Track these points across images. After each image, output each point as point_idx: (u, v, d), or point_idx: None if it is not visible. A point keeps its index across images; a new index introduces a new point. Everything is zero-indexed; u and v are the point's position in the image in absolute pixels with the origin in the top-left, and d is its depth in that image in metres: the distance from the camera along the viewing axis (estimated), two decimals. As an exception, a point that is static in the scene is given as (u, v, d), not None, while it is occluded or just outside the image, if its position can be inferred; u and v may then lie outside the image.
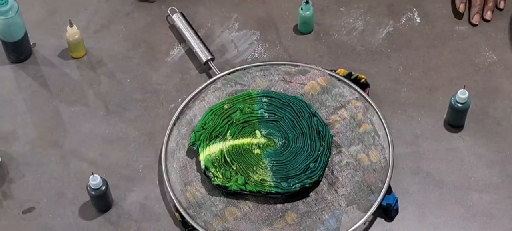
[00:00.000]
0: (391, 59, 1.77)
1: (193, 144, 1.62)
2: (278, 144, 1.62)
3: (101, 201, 1.57)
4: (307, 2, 1.76)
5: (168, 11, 1.82)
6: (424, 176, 1.62)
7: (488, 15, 1.80)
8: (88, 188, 1.54)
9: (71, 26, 1.74)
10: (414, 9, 1.83)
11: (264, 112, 1.66)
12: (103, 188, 1.55)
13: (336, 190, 1.58)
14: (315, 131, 1.62)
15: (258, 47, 1.79)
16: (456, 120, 1.65)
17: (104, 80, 1.75)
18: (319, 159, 1.59)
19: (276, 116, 1.65)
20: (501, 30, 1.80)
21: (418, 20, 1.82)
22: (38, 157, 1.65)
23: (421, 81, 1.74)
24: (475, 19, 1.79)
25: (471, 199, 1.59)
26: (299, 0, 1.83)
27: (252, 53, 1.79)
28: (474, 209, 1.58)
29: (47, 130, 1.69)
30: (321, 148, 1.60)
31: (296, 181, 1.57)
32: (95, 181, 1.54)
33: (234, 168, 1.59)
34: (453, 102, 1.62)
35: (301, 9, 1.77)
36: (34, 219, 1.59)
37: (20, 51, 1.77)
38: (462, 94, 1.61)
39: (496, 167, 1.62)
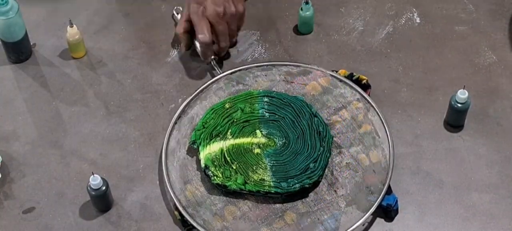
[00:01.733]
0: (391, 59, 1.77)
1: (194, 142, 1.63)
2: (278, 144, 1.62)
3: (101, 201, 1.57)
4: (307, 3, 1.76)
5: (173, 11, 1.82)
6: (424, 176, 1.62)
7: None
8: (88, 188, 1.55)
9: (71, 26, 1.74)
10: (414, 9, 1.83)
11: (264, 112, 1.66)
12: (103, 188, 1.55)
13: (335, 191, 1.58)
14: (316, 131, 1.62)
15: (258, 47, 1.79)
16: (456, 120, 1.65)
17: (104, 80, 1.75)
18: (319, 159, 1.59)
19: (276, 116, 1.65)
20: (501, 30, 1.80)
21: (418, 20, 1.82)
22: (38, 157, 1.66)
23: (421, 81, 1.74)
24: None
25: (471, 199, 1.59)
26: (299, 0, 1.83)
27: (252, 54, 1.79)
28: (474, 209, 1.58)
29: (47, 130, 1.69)
30: (321, 148, 1.60)
31: (296, 181, 1.57)
32: (95, 181, 1.54)
33: (234, 167, 1.59)
34: (453, 103, 1.62)
35: (301, 9, 1.77)
36: (34, 219, 1.59)
37: (20, 51, 1.77)
38: (462, 94, 1.61)
39: (496, 167, 1.62)
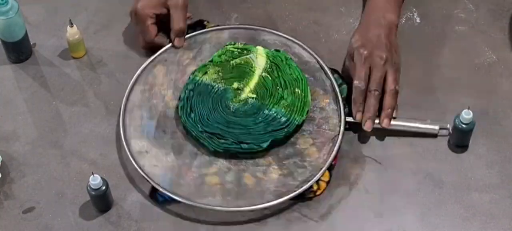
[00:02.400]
0: (391, 59, 1.77)
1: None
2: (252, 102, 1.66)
3: (101, 201, 1.57)
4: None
5: None
6: (424, 176, 1.62)
7: (385, 122, 1.62)
8: (88, 188, 1.54)
9: (71, 26, 1.74)
10: (414, 9, 1.83)
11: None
12: (103, 188, 1.55)
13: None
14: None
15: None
16: (461, 140, 1.63)
17: (104, 80, 1.75)
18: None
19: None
20: (501, 30, 1.80)
21: (418, 20, 1.82)
22: (38, 157, 1.66)
23: (421, 81, 1.73)
24: (367, 125, 1.62)
25: (471, 199, 1.59)
26: (299, 0, 1.83)
27: (252, 53, 1.79)
28: (474, 209, 1.58)
29: (47, 130, 1.69)
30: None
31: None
32: (95, 181, 1.54)
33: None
34: (457, 123, 1.60)
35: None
36: (34, 219, 1.59)
37: (20, 51, 1.77)
38: (466, 115, 1.59)
39: (496, 167, 1.62)
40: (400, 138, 1.66)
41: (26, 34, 1.75)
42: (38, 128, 1.69)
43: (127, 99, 1.69)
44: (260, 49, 1.72)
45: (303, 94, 1.66)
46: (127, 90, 1.69)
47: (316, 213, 1.58)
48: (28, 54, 1.78)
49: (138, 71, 1.71)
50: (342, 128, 1.63)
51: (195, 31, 1.77)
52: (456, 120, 1.60)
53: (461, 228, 1.56)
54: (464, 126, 1.60)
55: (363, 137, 1.65)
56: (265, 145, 1.61)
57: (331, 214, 1.59)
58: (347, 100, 1.67)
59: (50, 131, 1.69)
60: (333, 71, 1.71)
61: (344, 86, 1.68)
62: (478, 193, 1.59)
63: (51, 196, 1.61)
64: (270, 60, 1.70)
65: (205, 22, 1.80)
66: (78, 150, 1.66)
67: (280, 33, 1.76)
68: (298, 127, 1.64)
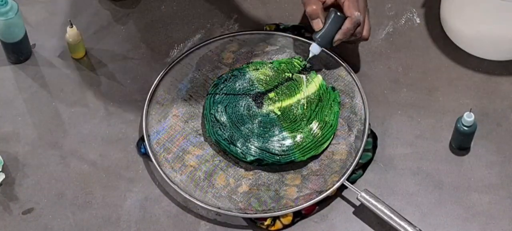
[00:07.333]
0: (390, 60, 1.77)
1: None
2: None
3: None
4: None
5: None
6: (424, 176, 1.62)
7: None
8: None
9: (71, 26, 1.74)
10: (414, 10, 1.83)
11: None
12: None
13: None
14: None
15: (258, 47, 1.80)
16: (462, 142, 1.63)
17: (104, 81, 1.76)
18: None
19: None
20: (501, 30, 1.80)
21: (417, 20, 1.82)
22: (38, 158, 1.66)
23: (421, 81, 1.74)
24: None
25: (471, 199, 1.59)
26: (299, 0, 1.83)
27: (252, 54, 1.79)
28: (474, 210, 1.58)
29: (47, 131, 1.69)
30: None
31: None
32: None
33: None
34: (458, 126, 1.60)
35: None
36: (34, 220, 1.59)
37: (20, 52, 1.77)
38: (468, 117, 1.58)
39: (496, 167, 1.62)
40: (400, 138, 1.66)
41: (25, 35, 1.76)
42: (38, 129, 1.69)
43: (195, 47, 1.74)
44: (318, 78, 1.66)
45: (319, 139, 1.61)
46: (205, 42, 1.75)
47: (316, 213, 1.58)
48: (28, 55, 1.79)
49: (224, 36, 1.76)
50: (334, 188, 1.58)
51: (291, 33, 1.76)
52: (458, 123, 1.60)
53: (461, 228, 1.56)
54: (466, 128, 1.60)
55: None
56: (249, 158, 1.59)
57: (331, 214, 1.59)
58: (363, 167, 1.62)
59: (49, 132, 1.69)
60: (371, 133, 1.65)
61: (369, 154, 1.62)
62: (478, 194, 1.60)
63: (50, 196, 1.61)
64: (319, 93, 1.66)
65: (302, 30, 1.78)
66: (78, 151, 1.66)
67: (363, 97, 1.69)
68: (298, 163, 1.60)
